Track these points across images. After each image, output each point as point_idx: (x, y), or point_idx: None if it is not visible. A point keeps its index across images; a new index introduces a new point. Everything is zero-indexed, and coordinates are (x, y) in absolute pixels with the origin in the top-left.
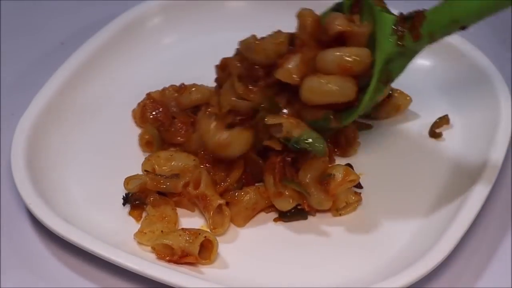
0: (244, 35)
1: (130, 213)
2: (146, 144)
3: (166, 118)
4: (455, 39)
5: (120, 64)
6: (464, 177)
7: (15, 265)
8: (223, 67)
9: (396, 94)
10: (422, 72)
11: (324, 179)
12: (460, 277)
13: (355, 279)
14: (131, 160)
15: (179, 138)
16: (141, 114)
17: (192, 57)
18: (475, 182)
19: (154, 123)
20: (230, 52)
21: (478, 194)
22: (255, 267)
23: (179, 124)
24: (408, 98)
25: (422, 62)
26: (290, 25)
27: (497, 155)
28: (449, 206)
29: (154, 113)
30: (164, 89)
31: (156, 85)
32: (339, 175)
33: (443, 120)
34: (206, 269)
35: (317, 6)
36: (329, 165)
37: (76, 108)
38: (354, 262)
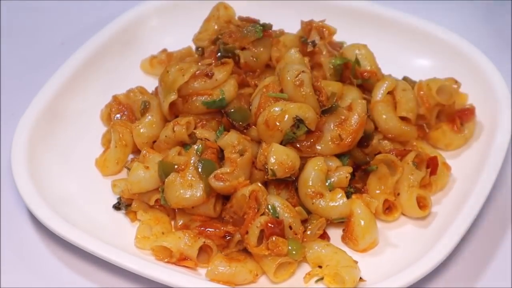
0: None
1: (126, 214)
2: (106, 143)
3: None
4: (455, 39)
5: (120, 64)
6: (464, 177)
7: (15, 265)
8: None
9: None
10: (422, 72)
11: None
12: (460, 277)
13: None
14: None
15: None
16: (107, 116)
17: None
18: (475, 182)
19: None
20: None
21: (478, 194)
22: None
23: None
24: None
25: (422, 62)
26: (290, 25)
27: (497, 155)
28: (449, 206)
29: (118, 115)
30: (129, 91)
31: (156, 85)
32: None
33: None
34: (205, 270)
35: (317, 6)
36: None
37: (76, 108)
38: None
